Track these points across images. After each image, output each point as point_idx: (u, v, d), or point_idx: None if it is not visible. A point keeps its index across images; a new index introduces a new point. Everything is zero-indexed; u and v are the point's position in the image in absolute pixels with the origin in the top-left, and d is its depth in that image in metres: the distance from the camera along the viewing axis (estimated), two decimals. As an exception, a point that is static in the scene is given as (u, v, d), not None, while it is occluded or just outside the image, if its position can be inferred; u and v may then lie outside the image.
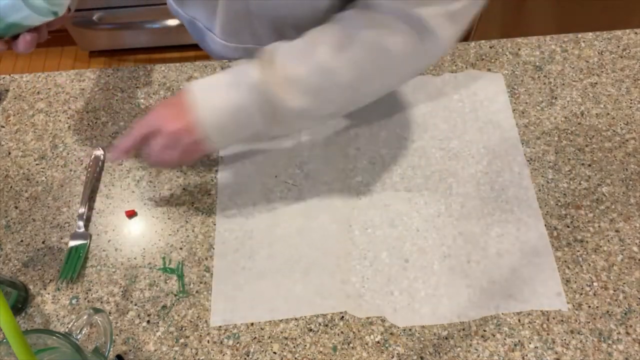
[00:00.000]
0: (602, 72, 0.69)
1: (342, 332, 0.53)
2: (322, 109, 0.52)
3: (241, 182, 0.63)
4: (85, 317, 0.46)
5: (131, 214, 0.61)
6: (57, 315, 0.56)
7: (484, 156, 0.63)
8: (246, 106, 0.50)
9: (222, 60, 0.72)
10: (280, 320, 0.54)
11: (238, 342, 0.53)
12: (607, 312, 0.53)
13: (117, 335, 0.54)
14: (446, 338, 0.52)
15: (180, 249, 0.59)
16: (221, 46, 0.70)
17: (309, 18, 0.55)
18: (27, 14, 0.45)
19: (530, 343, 0.52)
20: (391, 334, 0.53)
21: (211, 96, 0.50)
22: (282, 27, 0.63)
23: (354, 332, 0.53)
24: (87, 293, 0.57)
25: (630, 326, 0.52)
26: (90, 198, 0.62)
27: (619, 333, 0.52)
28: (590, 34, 0.71)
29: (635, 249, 0.56)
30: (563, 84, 0.67)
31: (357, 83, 0.50)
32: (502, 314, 0.53)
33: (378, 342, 0.52)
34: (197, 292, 0.56)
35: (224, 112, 0.50)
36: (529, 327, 0.52)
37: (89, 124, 0.69)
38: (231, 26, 0.66)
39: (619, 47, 0.71)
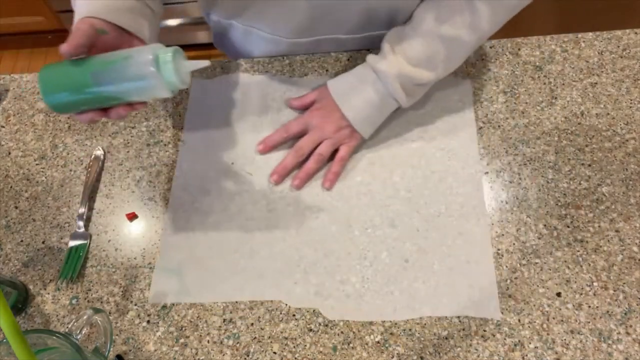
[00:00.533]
0: (602, 72, 0.69)
1: (342, 332, 0.53)
2: (449, 70, 0.61)
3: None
4: (85, 317, 0.46)
5: (132, 217, 0.61)
6: (57, 315, 0.56)
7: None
8: (385, 97, 0.60)
9: (222, 61, 0.72)
10: (281, 320, 0.54)
11: (238, 342, 0.53)
12: (607, 312, 0.53)
13: (117, 335, 0.54)
14: (446, 338, 0.52)
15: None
16: (287, 45, 0.70)
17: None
18: (152, 85, 0.45)
19: (530, 343, 0.52)
20: (391, 334, 0.53)
21: (352, 98, 0.60)
22: (374, 12, 0.64)
23: (354, 332, 0.53)
24: (87, 293, 0.57)
25: (630, 326, 0.52)
26: (90, 198, 0.62)
27: (619, 333, 0.52)
28: (590, 34, 0.71)
29: (635, 249, 0.56)
30: (563, 84, 0.67)
31: (476, 41, 0.60)
32: (502, 314, 0.53)
33: (378, 342, 0.52)
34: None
35: (367, 107, 0.60)
36: (529, 327, 0.52)
37: (89, 124, 0.69)
38: (311, 22, 0.66)
39: (619, 47, 0.71)
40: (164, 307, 0.56)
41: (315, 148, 0.62)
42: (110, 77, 0.45)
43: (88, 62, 0.46)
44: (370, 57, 0.60)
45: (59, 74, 0.47)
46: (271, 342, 0.53)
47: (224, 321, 0.55)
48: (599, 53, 0.70)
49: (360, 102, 0.60)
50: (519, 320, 0.53)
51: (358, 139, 0.61)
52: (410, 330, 0.53)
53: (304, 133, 0.62)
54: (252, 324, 0.54)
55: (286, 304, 0.55)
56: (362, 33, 0.69)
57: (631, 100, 0.66)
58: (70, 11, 0.52)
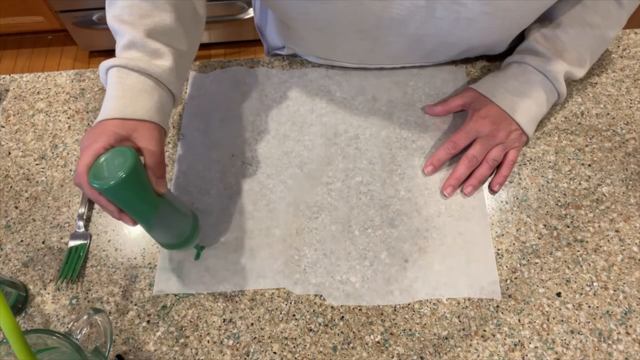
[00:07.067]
0: (602, 72, 0.69)
1: (342, 332, 0.53)
2: (592, 63, 0.64)
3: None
4: (85, 317, 0.46)
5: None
6: (57, 315, 0.56)
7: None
8: (550, 95, 0.62)
9: (221, 60, 0.72)
10: (280, 320, 0.54)
11: (238, 342, 0.53)
12: (607, 312, 0.53)
13: (117, 335, 0.54)
14: (446, 338, 0.52)
15: (180, 249, 0.59)
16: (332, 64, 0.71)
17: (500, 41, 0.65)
18: (185, 245, 0.53)
19: (530, 343, 0.52)
20: (391, 334, 0.53)
21: (522, 102, 0.61)
22: (443, 45, 0.64)
23: (354, 332, 0.53)
24: (87, 293, 0.57)
25: (630, 326, 0.52)
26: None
27: (619, 333, 0.52)
28: (590, 34, 0.71)
29: (635, 249, 0.56)
30: (563, 84, 0.67)
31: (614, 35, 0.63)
32: (502, 314, 0.53)
33: (378, 342, 0.52)
34: (197, 292, 0.56)
35: (537, 108, 0.61)
36: (529, 327, 0.52)
37: (89, 124, 0.69)
38: (392, 56, 0.67)
39: (619, 47, 0.71)
40: (164, 307, 0.56)
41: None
42: (168, 217, 0.50)
43: (159, 198, 0.48)
44: (533, 60, 0.61)
45: (141, 181, 0.45)
46: (271, 342, 0.53)
47: (224, 321, 0.55)
48: (599, 53, 0.69)
49: (531, 104, 0.61)
50: (519, 320, 0.53)
51: (524, 141, 0.62)
52: (410, 330, 0.53)
53: (471, 143, 0.61)
54: (252, 324, 0.54)
55: (286, 304, 0.55)
56: (402, 63, 0.69)
57: (631, 100, 0.66)
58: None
